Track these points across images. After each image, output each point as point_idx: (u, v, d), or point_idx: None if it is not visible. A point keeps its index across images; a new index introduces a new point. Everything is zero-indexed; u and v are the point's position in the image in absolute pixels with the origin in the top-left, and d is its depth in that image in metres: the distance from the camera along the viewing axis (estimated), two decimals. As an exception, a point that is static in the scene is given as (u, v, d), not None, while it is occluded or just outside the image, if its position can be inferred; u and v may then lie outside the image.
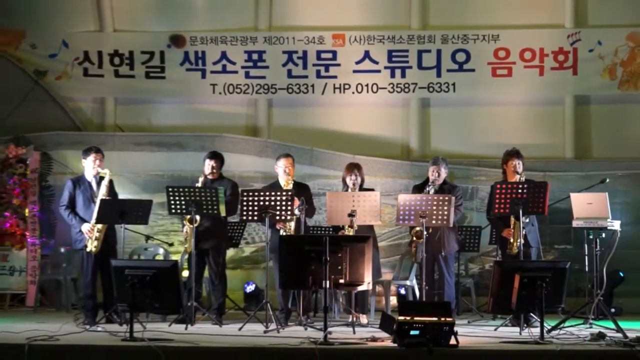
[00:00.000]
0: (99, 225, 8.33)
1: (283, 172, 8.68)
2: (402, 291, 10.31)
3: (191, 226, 8.39)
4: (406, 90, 11.77)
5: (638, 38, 11.52)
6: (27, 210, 10.88)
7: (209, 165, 8.80)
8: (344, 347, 6.60)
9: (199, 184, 8.61)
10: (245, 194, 8.28)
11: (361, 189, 8.70)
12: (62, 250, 10.66)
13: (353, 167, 8.79)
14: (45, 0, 12.00)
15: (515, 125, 11.57)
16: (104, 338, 7.10)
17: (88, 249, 8.35)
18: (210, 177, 8.76)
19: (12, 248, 10.81)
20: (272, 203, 8.15)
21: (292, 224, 8.39)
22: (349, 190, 8.67)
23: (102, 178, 8.51)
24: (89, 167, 8.59)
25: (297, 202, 8.34)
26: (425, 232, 8.21)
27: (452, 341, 6.49)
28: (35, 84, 11.81)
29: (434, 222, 8.19)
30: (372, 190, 8.72)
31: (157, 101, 12.13)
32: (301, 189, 8.68)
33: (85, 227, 8.38)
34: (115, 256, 8.34)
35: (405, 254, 10.28)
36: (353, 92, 11.81)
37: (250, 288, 10.71)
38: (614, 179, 10.02)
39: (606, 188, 8.76)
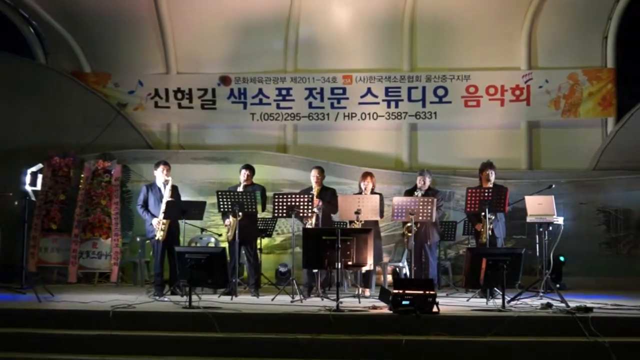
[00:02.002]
0: (165, 220, 8.36)
1: (313, 180, 8.71)
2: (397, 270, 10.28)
3: (235, 219, 8.40)
4: (399, 117, 11.75)
5: (576, 77, 11.47)
6: (111, 209, 10.92)
7: (244, 174, 8.81)
8: (352, 313, 6.61)
9: (240, 189, 8.63)
10: (276, 196, 8.26)
11: (372, 192, 8.70)
12: (138, 239, 10.70)
13: (366, 175, 8.82)
14: (125, 50, 12.06)
15: (482, 144, 11.49)
16: (169, 306, 7.13)
17: (157, 238, 8.38)
18: (245, 183, 8.77)
19: (100, 238, 10.84)
20: (297, 203, 8.17)
21: (313, 220, 8.39)
22: (363, 192, 8.67)
23: (168, 183, 8.55)
24: (159, 175, 8.62)
25: (316, 202, 8.35)
26: (414, 227, 8.21)
27: (435, 309, 6.50)
28: (118, 114, 11.85)
29: (420, 218, 8.17)
30: (380, 194, 8.70)
31: (210, 126, 12.13)
32: (328, 191, 8.69)
33: (155, 221, 8.41)
34: (178, 244, 8.36)
35: (399, 242, 10.26)
36: (358, 119, 11.79)
37: (283, 269, 10.68)
38: (559, 185, 9.95)
39: (552, 192, 8.71)
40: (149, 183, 8.82)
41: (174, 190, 8.62)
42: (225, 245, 9.03)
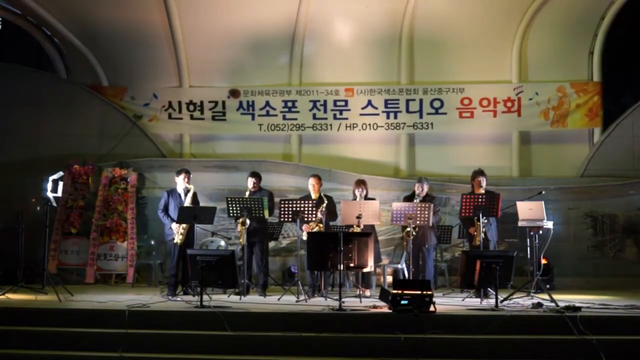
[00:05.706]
0: (184, 225, 8.33)
1: (311, 187, 8.68)
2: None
3: (243, 227, 8.38)
4: (397, 128, 11.74)
5: (564, 90, 11.46)
6: (127, 214, 10.93)
7: (251, 181, 8.78)
8: (353, 312, 6.59)
9: (247, 195, 8.61)
10: (282, 202, 8.25)
11: (366, 198, 8.67)
12: (152, 242, 10.71)
13: (360, 182, 8.78)
14: (140, 65, 12.09)
15: (476, 152, 11.48)
16: (181, 305, 7.11)
17: (175, 241, 8.35)
18: (252, 189, 8.75)
19: (117, 241, 10.85)
20: (302, 209, 8.15)
21: (316, 225, 8.36)
22: (357, 199, 8.64)
23: (188, 190, 8.53)
24: (180, 182, 8.59)
25: (320, 208, 8.31)
26: (413, 231, 8.19)
27: (432, 308, 6.47)
28: (134, 125, 11.87)
29: (418, 222, 8.16)
30: (374, 199, 8.68)
31: (220, 136, 12.15)
32: (327, 199, 8.64)
33: (174, 225, 8.36)
34: (191, 247, 8.34)
35: (398, 245, 10.23)
36: (359, 130, 11.79)
37: (294, 269, 10.57)
38: (548, 191, 9.91)
39: (542, 198, 8.69)
40: (170, 189, 8.77)
41: (194, 196, 8.60)
42: (234, 248, 9.00)
